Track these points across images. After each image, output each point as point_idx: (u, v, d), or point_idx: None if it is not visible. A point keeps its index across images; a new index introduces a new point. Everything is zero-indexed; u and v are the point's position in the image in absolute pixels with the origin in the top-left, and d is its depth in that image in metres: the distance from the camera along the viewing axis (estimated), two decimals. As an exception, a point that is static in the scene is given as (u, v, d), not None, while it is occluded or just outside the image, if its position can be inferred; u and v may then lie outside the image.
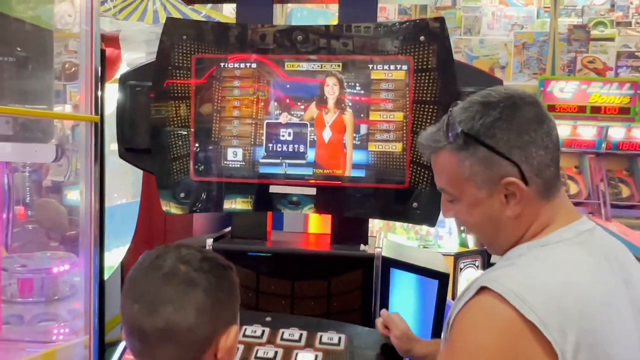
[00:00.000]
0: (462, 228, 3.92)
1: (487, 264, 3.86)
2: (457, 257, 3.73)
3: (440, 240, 3.88)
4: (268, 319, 1.66)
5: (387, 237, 2.03)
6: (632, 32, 8.17)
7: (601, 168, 8.30)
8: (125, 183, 4.18)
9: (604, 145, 8.23)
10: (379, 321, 1.55)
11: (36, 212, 3.68)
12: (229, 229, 2.08)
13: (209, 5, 5.06)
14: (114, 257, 3.17)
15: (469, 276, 3.74)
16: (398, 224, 3.84)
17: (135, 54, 2.78)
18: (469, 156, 1.00)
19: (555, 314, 0.89)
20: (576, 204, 9.12)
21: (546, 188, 1.01)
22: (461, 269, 3.73)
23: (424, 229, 3.79)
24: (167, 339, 0.94)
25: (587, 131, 8.03)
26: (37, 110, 1.86)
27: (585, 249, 0.99)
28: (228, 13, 5.67)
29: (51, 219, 3.59)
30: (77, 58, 3.22)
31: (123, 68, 2.77)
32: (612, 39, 8.01)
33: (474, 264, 3.76)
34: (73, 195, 4.11)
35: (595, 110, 7.52)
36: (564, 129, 6.89)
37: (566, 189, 8.59)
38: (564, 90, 7.42)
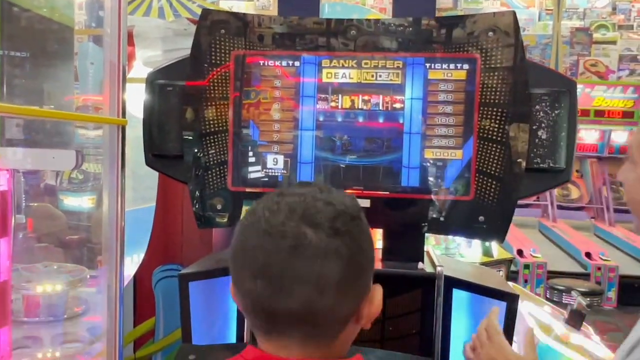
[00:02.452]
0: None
1: (510, 274, 3.71)
2: (480, 266, 3.59)
3: (463, 249, 3.72)
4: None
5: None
6: (634, 36, 8.12)
7: (603, 172, 8.24)
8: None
9: (606, 150, 8.16)
10: (467, 345, 1.38)
11: (34, 218, 3.46)
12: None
13: (210, -1, 4.86)
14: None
15: (493, 287, 3.58)
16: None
17: (151, 52, 2.58)
18: None
19: None
20: (578, 209, 8.98)
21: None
22: (484, 279, 3.58)
23: (448, 236, 3.61)
24: (303, 320, 0.78)
25: (590, 135, 7.95)
26: (54, 111, 1.64)
27: None
28: (227, 7, 5.49)
29: (50, 225, 3.38)
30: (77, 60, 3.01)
31: (138, 66, 2.57)
32: (614, 42, 7.95)
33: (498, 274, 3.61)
34: (71, 201, 3.91)
35: (599, 114, 7.45)
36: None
37: (567, 193, 8.51)
38: (567, 94, 7.30)
